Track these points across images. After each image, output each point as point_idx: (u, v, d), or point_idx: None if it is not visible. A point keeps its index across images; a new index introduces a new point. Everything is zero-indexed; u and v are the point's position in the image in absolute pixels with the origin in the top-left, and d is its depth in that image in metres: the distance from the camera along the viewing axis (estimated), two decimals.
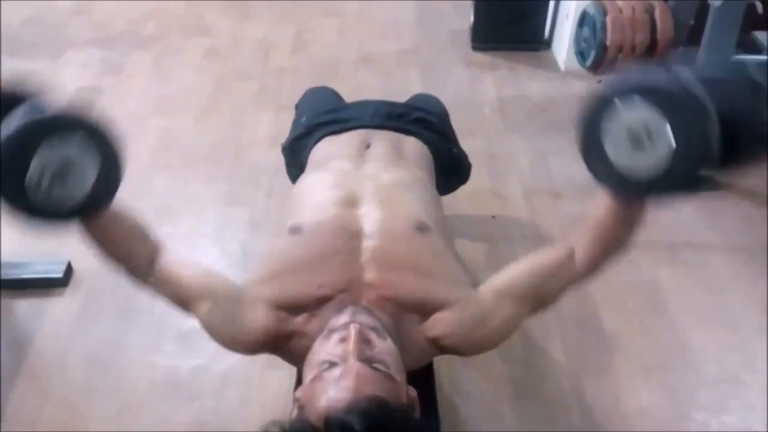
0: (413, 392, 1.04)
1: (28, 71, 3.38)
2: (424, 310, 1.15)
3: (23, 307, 2.09)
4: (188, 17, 3.96)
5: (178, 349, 1.95)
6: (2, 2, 4.10)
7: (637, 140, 0.99)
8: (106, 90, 3.30)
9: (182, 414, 1.78)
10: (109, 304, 2.09)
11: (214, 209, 2.50)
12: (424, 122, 1.70)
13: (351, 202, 1.26)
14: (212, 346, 1.90)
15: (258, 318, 1.14)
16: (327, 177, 1.36)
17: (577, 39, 3.01)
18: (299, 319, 1.14)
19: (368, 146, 1.50)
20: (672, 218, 2.41)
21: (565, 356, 1.91)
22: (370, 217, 1.23)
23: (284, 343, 1.16)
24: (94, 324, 2.03)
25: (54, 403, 1.79)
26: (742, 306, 2.06)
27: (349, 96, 2.04)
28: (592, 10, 2.86)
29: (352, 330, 1.00)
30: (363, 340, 1.00)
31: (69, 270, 2.17)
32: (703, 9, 2.45)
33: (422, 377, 1.24)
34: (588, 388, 1.82)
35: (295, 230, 1.23)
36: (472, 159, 2.37)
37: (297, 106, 2.00)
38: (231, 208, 2.48)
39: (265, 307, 1.15)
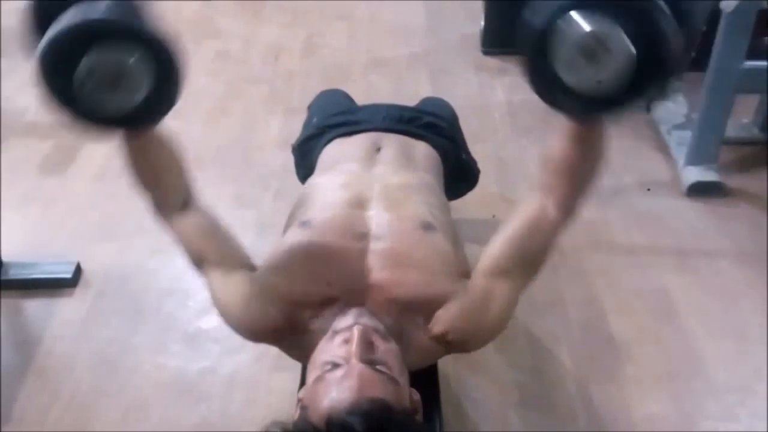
0: (416, 395, 1.04)
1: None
2: (428, 310, 1.15)
3: (32, 307, 2.10)
4: (200, 20, 3.98)
5: (185, 350, 1.96)
6: (17, 4, 4.14)
7: (591, 56, 0.93)
8: None
9: (189, 415, 1.78)
10: (117, 305, 2.10)
11: (222, 211, 2.45)
12: (434, 127, 1.70)
13: (359, 203, 1.27)
14: (219, 348, 1.94)
15: (267, 307, 1.14)
16: (336, 178, 1.36)
17: None
18: (306, 315, 1.14)
19: (378, 149, 1.50)
20: (681, 225, 2.40)
21: (573, 363, 1.90)
22: (377, 219, 1.23)
23: (288, 336, 1.16)
24: (102, 325, 2.04)
25: (61, 403, 1.80)
26: (752, 314, 2.04)
27: (359, 99, 2.05)
28: None
29: (356, 332, 1.00)
30: (366, 342, 1.00)
31: (78, 271, 2.19)
32: (714, 15, 2.43)
33: (425, 379, 1.24)
34: (595, 395, 1.81)
35: (305, 225, 1.23)
36: (480, 164, 2.37)
37: (309, 107, 2.01)
38: (239, 210, 2.48)
39: (275, 297, 1.15)
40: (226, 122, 3.03)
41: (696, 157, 2.57)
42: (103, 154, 2.82)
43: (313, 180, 1.48)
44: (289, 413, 1.05)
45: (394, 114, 1.64)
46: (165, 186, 1.22)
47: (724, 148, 2.58)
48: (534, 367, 1.89)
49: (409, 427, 0.93)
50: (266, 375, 1.86)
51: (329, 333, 1.06)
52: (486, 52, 3.63)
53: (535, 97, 2.99)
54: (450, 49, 3.70)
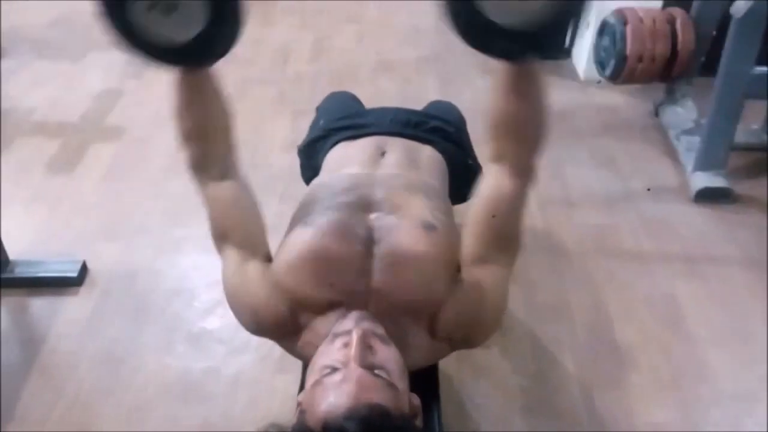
0: (416, 400, 1.03)
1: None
2: (429, 312, 1.14)
3: (37, 305, 2.11)
4: None
5: (189, 350, 1.96)
6: (29, 3, 4.18)
7: None
8: (128, 93, 3.33)
9: (191, 415, 1.78)
10: (122, 305, 2.11)
11: None
12: (440, 131, 1.69)
13: (362, 206, 1.26)
14: (223, 349, 1.95)
15: (275, 301, 1.15)
16: (340, 181, 1.36)
17: (597, 48, 2.99)
18: (310, 316, 1.15)
19: (383, 153, 1.49)
20: (689, 231, 2.39)
21: (577, 368, 1.89)
22: (379, 222, 1.22)
23: (291, 334, 1.17)
24: (107, 324, 2.04)
25: (65, 402, 1.80)
26: (759, 321, 2.02)
27: (367, 102, 2.04)
28: (612, 20, 2.84)
29: (355, 336, 1.00)
30: (365, 347, 0.99)
31: (83, 269, 2.19)
32: (725, 20, 2.42)
33: (425, 381, 1.23)
34: (600, 401, 1.80)
35: (308, 227, 1.22)
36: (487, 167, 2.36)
37: (317, 109, 2.01)
38: None
39: (283, 294, 1.15)
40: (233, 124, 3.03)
41: (704, 163, 2.55)
42: (110, 154, 2.84)
43: (317, 182, 1.47)
44: (291, 416, 1.04)
45: (400, 118, 1.64)
46: (209, 141, 1.21)
47: (732, 153, 2.57)
48: (538, 372, 1.88)
49: None
50: (270, 376, 1.85)
51: (330, 336, 1.06)
52: None
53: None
54: (459, 52, 3.68)
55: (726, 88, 2.41)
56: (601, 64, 2.98)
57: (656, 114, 3.06)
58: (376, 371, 0.96)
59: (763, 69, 2.35)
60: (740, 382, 1.84)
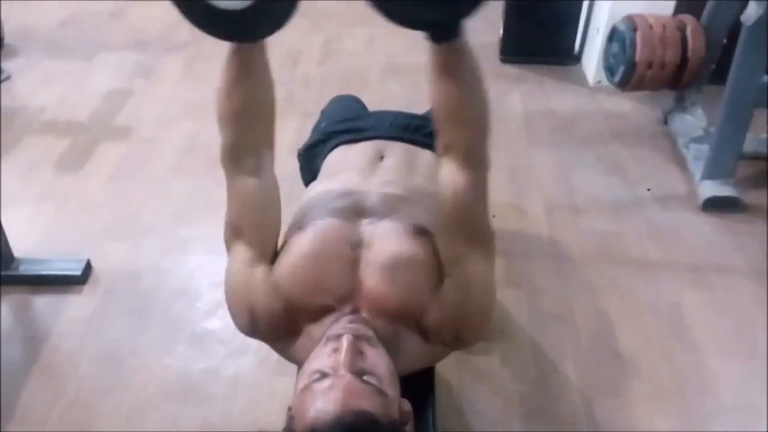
0: (407, 406, 1.03)
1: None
2: (418, 315, 1.14)
3: (41, 303, 2.12)
4: None
5: (190, 351, 1.96)
6: (39, 3, 4.22)
7: None
8: (137, 92, 3.35)
9: (191, 416, 1.78)
10: (125, 304, 2.11)
11: None
12: None
13: (356, 212, 1.26)
14: (224, 350, 1.95)
15: (273, 300, 1.15)
16: (336, 186, 1.35)
17: (606, 54, 2.98)
18: (305, 320, 1.15)
19: (382, 158, 1.49)
20: (696, 239, 2.37)
21: (579, 376, 1.87)
22: (372, 227, 1.22)
23: (285, 337, 1.17)
24: (109, 323, 2.04)
25: (65, 401, 1.80)
26: (764, 332, 2.00)
27: (375, 105, 2.04)
28: (622, 26, 2.83)
29: (344, 341, 1.00)
30: (355, 352, 0.99)
31: (88, 268, 2.20)
32: (736, 28, 2.40)
33: (420, 384, 1.23)
34: (601, 409, 1.78)
35: (304, 232, 1.22)
36: (494, 172, 2.33)
37: (322, 112, 2.01)
38: None
39: (281, 296, 1.15)
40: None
41: (713, 171, 2.53)
42: (118, 154, 2.85)
43: (313, 186, 1.47)
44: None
45: (400, 122, 1.63)
46: (251, 125, 1.19)
47: (741, 162, 2.55)
48: (539, 379, 1.87)
49: None
50: (269, 378, 1.85)
51: (323, 340, 1.06)
52: (504, 61, 3.63)
53: (553, 107, 2.99)
54: (478, 58, 3.68)
55: (735, 96, 2.39)
56: (610, 71, 2.96)
57: (665, 121, 3.03)
58: (365, 377, 0.96)
59: None
60: (743, 393, 1.82)
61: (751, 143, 2.59)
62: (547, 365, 1.91)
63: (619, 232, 2.41)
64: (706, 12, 2.78)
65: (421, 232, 1.20)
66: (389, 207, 1.27)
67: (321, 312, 1.13)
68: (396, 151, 1.51)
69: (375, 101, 2.13)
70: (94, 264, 2.23)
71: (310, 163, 1.68)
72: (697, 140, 2.77)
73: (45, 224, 2.45)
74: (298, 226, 1.25)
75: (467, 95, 1.11)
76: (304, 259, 1.16)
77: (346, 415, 0.88)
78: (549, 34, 3.53)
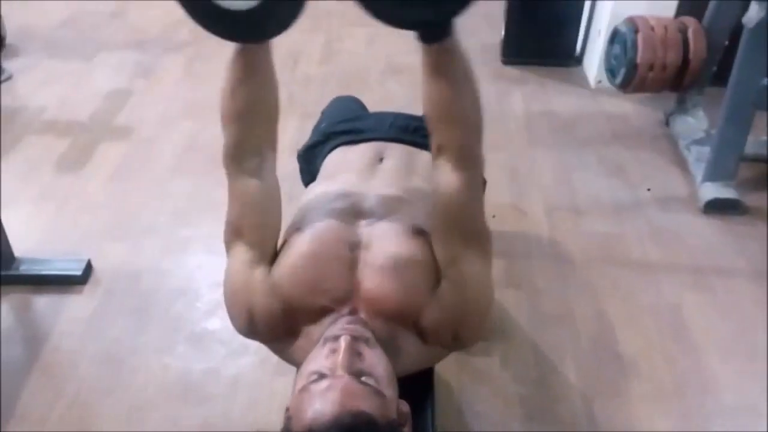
0: (405, 407, 1.02)
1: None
2: (415, 316, 1.14)
3: (41, 303, 2.12)
4: None
5: (190, 351, 1.96)
6: (41, 3, 4.22)
7: None
8: (137, 92, 3.35)
9: (191, 416, 1.78)
10: (125, 304, 2.11)
11: None
12: None
13: (354, 213, 1.26)
14: (224, 350, 1.94)
15: (272, 301, 1.14)
16: (335, 188, 1.35)
17: (608, 56, 2.98)
18: (304, 321, 1.15)
19: (381, 159, 1.49)
20: (697, 241, 2.37)
21: (579, 377, 1.87)
22: (369, 228, 1.22)
23: (284, 338, 1.16)
24: (110, 323, 2.04)
25: (65, 401, 1.80)
26: (765, 334, 1.99)
27: (375, 106, 2.04)
28: (623, 28, 2.83)
29: (342, 342, 0.99)
30: (353, 353, 0.99)
31: (88, 268, 2.20)
32: (737, 30, 2.40)
33: (420, 384, 1.22)
34: (601, 410, 1.78)
35: (302, 233, 1.22)
36: (494, 173, 2.34)
37: (322, 113, 2.01)
38: None
39: (280, 297, 1.15)
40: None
41: (714, 174, 2.53)
42: (118, 154, 2.85)
43: (312, 188, 1.47)
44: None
45: (400, 123, 1.62)
46: (254, 125, 1.18)
47: (742, 165, 2.55)
48: (539, 380, 1.87)
49: None
50: (269, 378, 1.85)
51: (321, 341, 1.06)
52: (506, 62, 3.63)
53: (554, 108, 2.99)
54: (470, 58, 3.68)
55: (736, 98, 2.39)
56: (611, 72, 2.96)
57: (667, 123, 3.03)
58: (363, 378, 0.96)
59: None
60: (743, 395, 1.82)
61: (752, 145, 2.59)
62: (548, 366, 1.91)
63: (619, 234, 2.41)
64: (707, 14, 2.78)
65: (419, 233, 1.20)
66: (388, 208, 1.26)
67: (319, 313, 1.13)
68: (395, 152, 1.51)
69: (375, 101, 2.13)
70: (94, 264, 2.23)
71: (309, 164, 1.68)
72: (699, 142, 2.77)
73: (45, 224, 2.45)
74: (296, 227, 1.24)
75: (459, 95, 1.10)
76: (303, 260, 1.16)
77: (343, 416, 0.88)
78: (550, 35, 3.53)
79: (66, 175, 2.72)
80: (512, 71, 3.56)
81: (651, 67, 2.76)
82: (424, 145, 1.56)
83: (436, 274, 1.16)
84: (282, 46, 4.04)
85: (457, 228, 1.15)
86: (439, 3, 0.99)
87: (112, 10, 4.24)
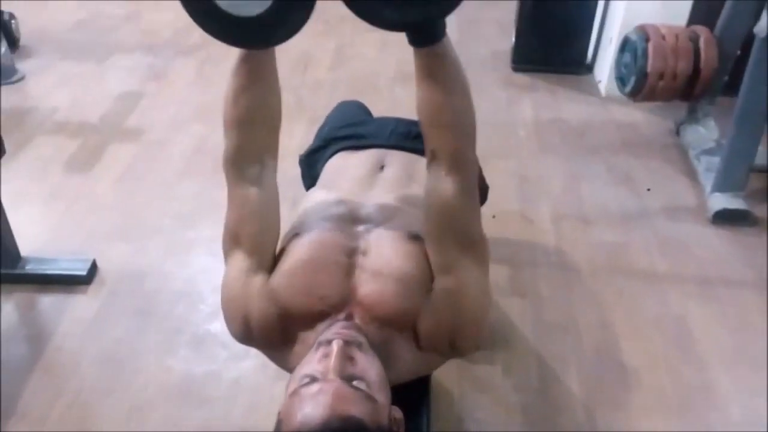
0: (398, 413, 1.02)
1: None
2: (410, 323, 1.13)
3: (46, 302, 2.13)
4: None
5: (191, 353, 1.96)
6: (55, 5, 4.26)
7: None
8: (148, 95, 3.37)
9: (190, 418, 1.78)
10: (128, 305, 2.12)
11: None
12: None
13: (352, 219, 1.26)
14: (225, 353, 1.94)
15: (269, 307, 1.14)
16: (334, 194, 1.35)
17: (618, 64, 2.96)
18: (299, 327, 1.15)
19: (382, 167, 1.48)
20: (705, 252, 2.34)
21: (582, 388, 1.85)
22: (366, 234, 1.22)
23: (280, 345, 1.16)
24: (112, 324, 2.05)
25: (65, 400, 1.81)
26: None
27: (383, 112, 2.03)
28: (634, 36, 2.81)
29: (335, 346, 0.99)
30: (345, 357, 0.98)
31: (93, 268, 2.21)
32: (749, 39, 2.38)
33: (415, 390, 1.21)
34: (603, 422, 1.76)
35: (301, 238, 1.22)
36: (502, 180, 2.32)
37: (327, 117, 2.01)
38: None
39: (276, 305, 1.15)
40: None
41: (723, 184, 2.51)
42: (127, 155, 2.87)
43: (311, 193, 1.47)
44: None
45: (401, 130, 1.62)
46: (255, 131, 1.18)
47: (752, 175, 2.52)
48: (541, 390, 1.85)
49: None
50: (270, 382, 1.84)
51: (315, 345, 1.05)
52: (516, 69, 3.62)
53: (564, 116, 2.97)
54: (480, 64, 3.69)
55: (747, 108, 2.37)
56: (621, 81, 2.94)
57: (677, 133, 3.01)
58: (354, 383, 0.95)
59: None
60: (748, 409, 1.79)
61: (762, 156, 2.57)
62: (550, 376, 1.89)
63: (626, 244, 2.39)
64: (719, 23, 2.76)
65: (416, 239, 1.19)
66: (385, 214, 1.26)
67: (315, 318, 1.13)
68: (396, 160, 1.50)
69: (383, 108, 2.12)
70: (99, 264, 2.24)
71: (311, 168, 1.68)
72: (709, 152, 2.75)
73: (53, 224, 2.47)
74: (294, 232, 1.25)
75: (450, 100, 1.10)
76: (300, 266, 1.16)
77: (333, 420, 0.88)
78: (561, 43, 3.52)
79: (75, 176, 2.74)
80: (522, 78, 3.55)
81: (661, 76, 2.74)
82: (424, 153, 1.55)
83: (432, 280, 1.16)
84: (293, 50, 4.05)
85: (451, 233, 1.14)
86: (425, 4, 0.99)
87: (126, 13, 4.27)
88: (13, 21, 3.67)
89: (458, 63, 1.10)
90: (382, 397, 0.99)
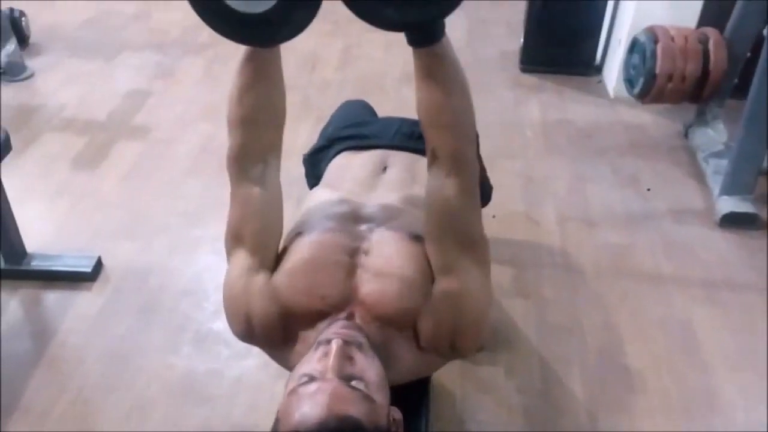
0: (397, 414, 1.01)
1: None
2: (410, 323, 1.13)
3: (51, 298, 2.14)
4: None
5: (194, 351, 1.96)
6: (64, 3, 4.28)
7: None
8: (156, 93, 3.38)
9: (192, 416, 1.78)
10: (133, 302, 2.12)
11: None
12: None
13: (355, 219, 1.26)
14: (228, 351, 1.94)
15: (270, 306, 1.15)
16: (336, 194, 1.35)
17: (627, 66, 2.94)
18: (300, 326, 1.15)
19: (385, 168, 1.48)
20: (711, 255, 2.33)
21: (585, 390, 1.84)
22: (369, 234, 1.21)
23: (280, 344, 1.16)
24: (116, 321, 2.05)
25: (68, 397, 1.81)
26: None
27: (390, 112, 2.02)
28: (642, 37, 2.80)
29: (334, 346, 0.99)
30: (344, 357, 0.98)
31: (98, 265, 2.22)
32: (759, 41, 2.36)
33: (415, 391, 1.21)
34: (605, 425, 1.75)
35: (303, 238, 1.22)
36: (508, 180, 2.30)
37: (331, 117, 2.01)
38: None
39: (279, 302, 1.15)
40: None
41: (731, 187, 2.49)
42: (134, 153, 2.88)
43: (314, 193, 1.47)
44: None
45: (405, 130, 1.61)
46: (259, 131, 1.19)
47: (761, 179, 2.50)
48: (544, 392, 1.84)
49: None
50: (272, 381, 1.84)
51: (315, 344, 1.05)
52: (524, 70, 3.61)
53: (570, 117, 2.96)
54: (488, 64, 3.68)
55: (756, 111, 2.35)
56: (630, 82, 2.93)
57: (686, 135, 2.99)
58: (353, 383, 0.95)
59: None
60: (753, 414, 1.78)
61: None
62: (553, 378, 1.88)
63: (632, 246, 2.38)
64: (729, 25, 2.74)
65: (418, 240, 1.19)
66: (388, 214, 1.26)
67: (316, 317, 1.13)
68: (399, 160, 1.50)
69: (390, 108, 2.12)
70: (104, 261, 2.25)
71: (314, 167, 1.68)
72: (717, 155, 2.73)
73: (58, 221, 2.48)
74: (297, 231, 1.25)
75: (449, 100, 1.10)
76: (301, 265, 1.16)
77: (330, 420, 0.88)
78: (570, 44, 3.50)
79: (81, 173, 2.75)
80: (530, 79, 3.54)
81: (670, 78, 2.72)
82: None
83: (433, 281, 1.15)
84: (301, 50, 4.06)
85: (451, 234, 1.14)
86: (424, 5, 0.99)
87: (135, 12, 4.29)
88: (23, 19, 3.69)
89: (457, 63, 1.10)
90: (381, 397, 0.99)
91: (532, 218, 2.50)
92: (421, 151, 1.54)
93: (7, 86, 3.37)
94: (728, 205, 2.47)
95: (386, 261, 1.15)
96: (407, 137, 1.58)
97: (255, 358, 1.91)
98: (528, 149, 2.93)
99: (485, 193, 1.94)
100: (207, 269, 2.26)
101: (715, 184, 2.58)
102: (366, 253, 1.17)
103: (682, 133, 3.02)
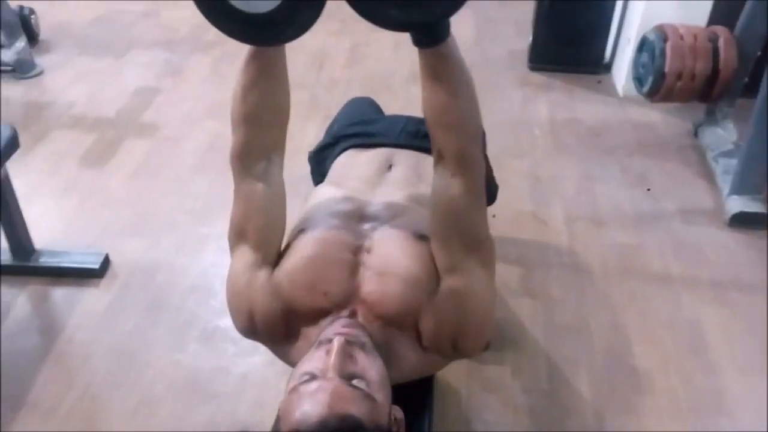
0: (399, 413, 1.01)
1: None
2: (413, 322, 1.13)
3: (58, 294, 2.15)
4: None
5: (201, 348, 1.97)
6: (74, 1, 4.30)
7: None
8: (164, 90, 3.38)
9: (197, 413, 1.79)
10: (140, 299, 2.13)
11: None
12: None
13: (359, 217, 1.25)
14: (234, 348, 1.95)
15: (273, 303, 1.15)
16: (341, 192, 1.35)
17: (636, 64, 2.93)
18: (303, 323, 1.15)
19: (390, 167, 1.48)
20: (720, 255, 2.31)
21: (592, 391, 1.83)
22: (373, 232, 1.21)
23: (283, 340, 1.17)
24: (124, 317, 2.06)
25: (76, 392, 1.82)
26: None
27: (397, 111, 2.02)
28: (652, 36, 2.78)
29: (335, 344, 0.99)
30: (346, 356, 0.98)
31: (106, 262, 2.23)
32: None
33: (419, 390, 1.21)
34: (612, 425, 1.74)
35: (306, 235, 1.22)
36: (516, 180, 2.29)
37: (337, 114, 2.01)
38: None
39: (279, 301, 1.15)
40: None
41: (741, 187, 2.47)
42: (142, 151, 2.88)
43: (318, 190, 1.46)
44: None
45: (410, 128, 1.61)
46: (263, 128, 1.19)
47: None
48: (550, 392, 1.83)
49: None
50: (277, 379, 1.85)
51: (316, 343, 1.05)
52: (533, 68, 3.59)
53: (578, 116, 2.94)
54: (497, 63, 3.66)
55: (766, 110, 2.33)
56: (639, 81, 2.91)
57: (695, 134, 2.97)
58: (354, 381, 0.95)
59: None
60: (761, 416, 1.76)
61: None
62: (560, 378, 1.87)
63: (640, 246, 2.37)
64: (739, 23, 2.72)
65: (422, 238, 1.19)
66: (392, 213, 1.26)
67: (318, 315, 1.13)
68: (404, 159, 1.50)
69: (397, 106, 2.11)
70: (112, 258, 2.26)
71: (320, 165, 1.68)
72: (727, 154, 2.71)
73: (67, 217, 2.49)
74: (300, 228, 1.25)
75: (455, 100, 1.10)
76: (304, 262, 1.16)
77: (330, 419, 0.87)
78: (579, 42, 3.48)
79: (90, 170, 2.76)
80: (539, 77, 3.52)
81: (679, 76, 2.70)
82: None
83: (437, 280, 1.15)
84: (308, 48, 4.05)
85: (456, 233, 1.13)
86: (429, 4, 0.98)
87: (144, 10, 4.29)
88: (32, 16, 3.71)
89: (463, 63, 1.09)
90: (382, 396, 0.98)
91: (540, 218, 2.49)
92: (426, 150, 1.54)
93: (16, 83, 3.39)
94: (738, 204, 2.45)
95: (389, 260, 1.15)
96: (413, 135, 1.58)
97: (261, 355, 1.91)
98: (536, 148, 2.92)
99: (491, 193, 1.93)
100: (214, 266, 2.26)
101: (725, 183, 2.56)
102: (369, 251, 1.17)
103: (691, 132, 3.00)
